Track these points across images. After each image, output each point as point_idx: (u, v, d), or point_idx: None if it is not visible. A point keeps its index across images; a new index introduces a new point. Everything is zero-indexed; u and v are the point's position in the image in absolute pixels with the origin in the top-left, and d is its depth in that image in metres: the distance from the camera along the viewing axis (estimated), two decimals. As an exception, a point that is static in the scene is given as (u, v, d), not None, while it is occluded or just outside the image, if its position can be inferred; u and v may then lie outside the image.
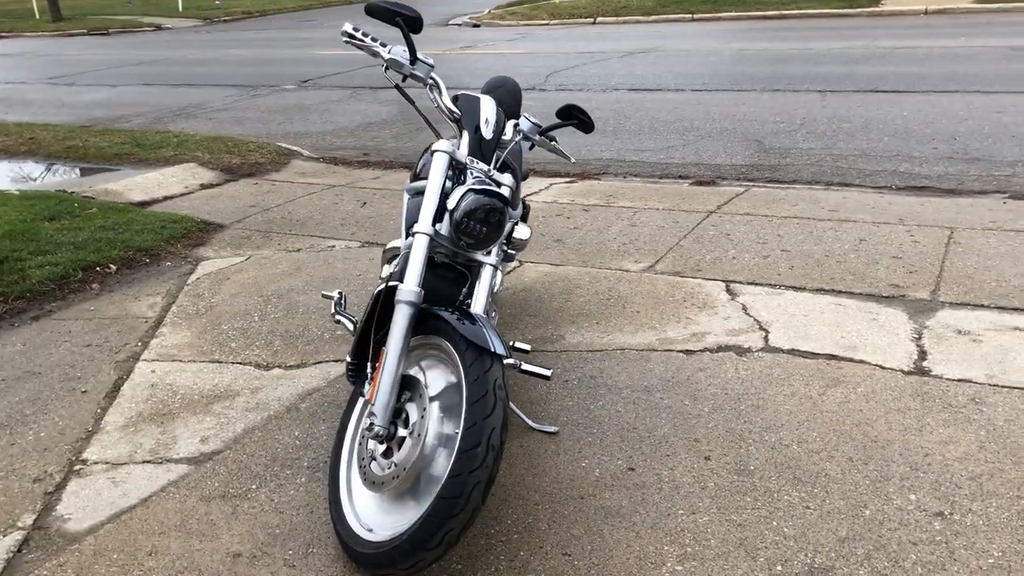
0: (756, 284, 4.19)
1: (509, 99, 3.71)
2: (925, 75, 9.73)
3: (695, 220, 5.26)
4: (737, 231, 5.00)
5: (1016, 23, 14.06)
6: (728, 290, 4.13)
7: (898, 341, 3.49)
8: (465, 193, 2.49)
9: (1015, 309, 3.77)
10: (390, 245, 3.34)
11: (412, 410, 2.33)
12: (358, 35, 2.73)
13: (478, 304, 2.56)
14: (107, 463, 2.93)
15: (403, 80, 2.81)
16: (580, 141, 7.70)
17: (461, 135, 2.67)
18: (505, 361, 2.31)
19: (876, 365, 3.29)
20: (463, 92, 2.80)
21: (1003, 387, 3.08)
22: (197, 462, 2.91)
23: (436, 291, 2.59)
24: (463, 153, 2.62)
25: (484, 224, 2.50)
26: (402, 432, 2.33)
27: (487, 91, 3.72)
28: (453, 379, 2.30)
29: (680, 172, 6.63)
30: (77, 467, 2.92)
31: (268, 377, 3.47)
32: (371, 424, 2.31)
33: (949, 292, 3.97)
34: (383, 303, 2.61)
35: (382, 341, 2.54)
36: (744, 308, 3.90)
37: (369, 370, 2.52)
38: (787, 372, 3.27)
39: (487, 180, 2.57)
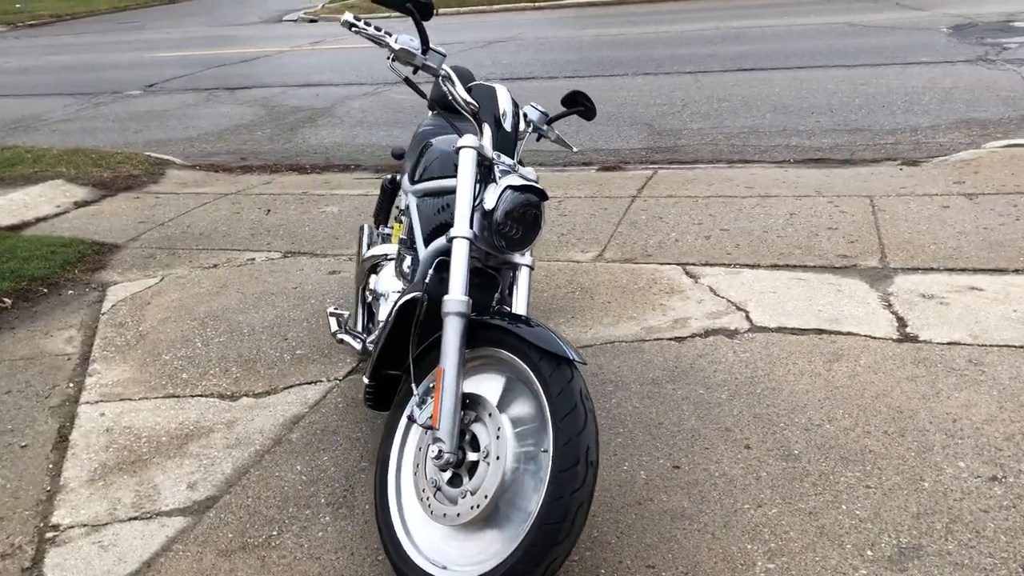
0: (711, 265, 4.18)
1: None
2: (785, 52, 10.13)
3: (622, 206, 5.22)
4: (668, 214, 4.99)
5: (847, 0, 14.89)
6: (688, 273, 4.09)
7: (873, 310, 3.54)
8: (504, 191, 2.30)
9: (963, 269, 3.91)
10: (369, 254, 3.09)
11: (480, 431, 2.13)
12: (360, 24, 2.47)
13: (520, 309, 2.37)
14: (85, 525, 2.56)
15: (414, 72, 2.57)
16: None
17: (481, 129, 2.47)
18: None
19: (866, 336, 3.32)
20: (476, 82, 2.59)
21: (991, 346, 3.17)
22: (194, 512, 2.59)
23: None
24: (489, 148, 2.42)
25: (522, 223, 2.32)
26: (472, 456, 2.12)
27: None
28: (525, 393, 2.11)
29: (582, 159, 6.58)
30: (50, 534, 2.54)
31: (239, 408, 3.15)
32: (439, 452, 2.09)
33: (896, 258, 4.09)
34: (403, 316, 2.39)
35: (420, 358, 2.32)
36: (712, 290, 3.87)
37: (416, 390, 2.29)
38: (785, 351, 3.25)
39: (522, 176, 2.39)
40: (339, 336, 2.86)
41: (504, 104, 2.47)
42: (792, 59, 9.63)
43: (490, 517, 2.06)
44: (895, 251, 4.17)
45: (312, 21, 20.28)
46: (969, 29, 10.60)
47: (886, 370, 3.06)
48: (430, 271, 2.45)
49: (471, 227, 2.28)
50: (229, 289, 4.28)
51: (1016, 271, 3.85)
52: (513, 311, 2.37)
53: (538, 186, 2.32)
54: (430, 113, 3.59)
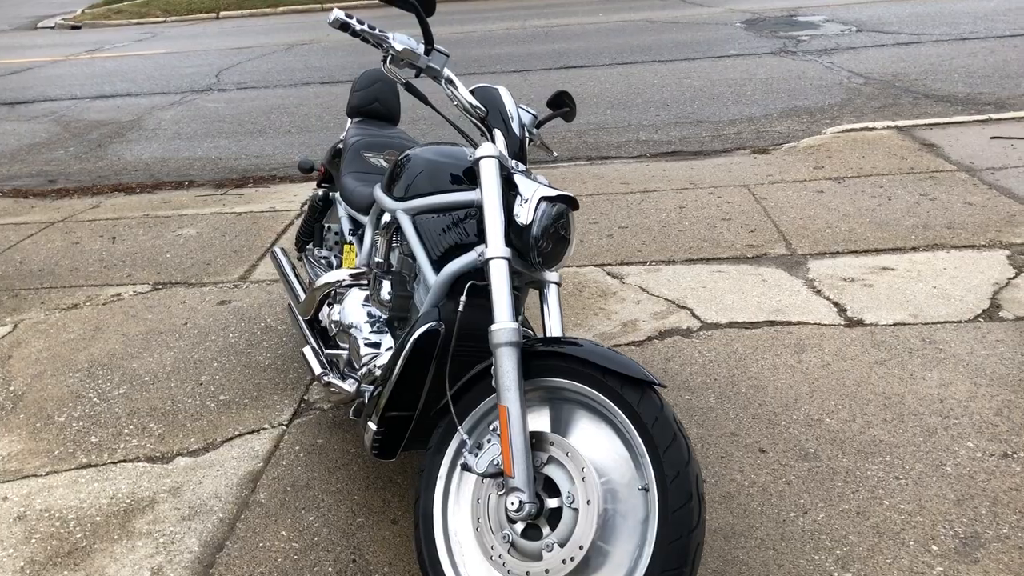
0: (627, 264, 4.11)
1: (389, 97, 3.25)
2: (599, 49, 10.33)
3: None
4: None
5: (613, 0, 15.49)
6: (609, 274, 4.01)
7: (807, 298, 3.60)
8: (539, 204, 2.07)
9: (865, 251, 4.06)
10: (323, 281, 2.75)
11: (556, 473, 1.90)
12: (353, 22, 2.15)
13: (555, 330, 2.16)
14: (39, 642, 2.09)
15: (416, 75, 2.28)
16: (306, 141, 7.12)
17: (491, 135, 2.22)
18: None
19: (816, 324, 3.36)
20: (479, 84, 2.33)
21: (934, 324, 3.29)
22: (175, 605, 2.17)
23: (482, 327, 2.14)
24: (507, 156, 2.18)
25: (555, 236, 2.10)
26: (552, 503, 1.89)
27: (364, 87, 3.22)
28: (597, 424, 1.90)
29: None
30: (-6, 661, 2.05)
31: (177, 471, 2.72)
32: (519, 504, 1.84)
33: (800, 244, 4.19)
34: (419, 351, 2.12)
35: (457, 396, 2.05)
36: (643, 289, 3.80)
37: (465, 434, 2.01)
38: (748, 346, 3.22)
39: (548, 184, 2.17)
40: (327, 379, 2.51)
41: (510, 106, 2.24)
42: (611, 55, 9.83)
43: (582, 570, 1.83)
44: (796, 238, 4.27)
45: (75, 28, 18.61)
46: (760, 23, 11.29)
47: (853, 356, 3.09)
48: (444, 298, 2.18)
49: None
50: (106, 332, 3.73)
51: (913, 249, 4.04)
52: (548, 334, 2.15)
53: (570, 195, 2.12)
54: (350, 121, 3.27)
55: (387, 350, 2.45)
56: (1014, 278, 3.65)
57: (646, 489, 1.79)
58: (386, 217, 2.47)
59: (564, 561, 1.81)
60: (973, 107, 6.75)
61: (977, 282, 3.63)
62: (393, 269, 2.51)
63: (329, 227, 3.22)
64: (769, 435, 2.66)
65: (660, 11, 13.24)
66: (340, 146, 3.23)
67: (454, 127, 2.29)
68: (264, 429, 2.92)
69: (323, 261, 3.15)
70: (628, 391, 1.83)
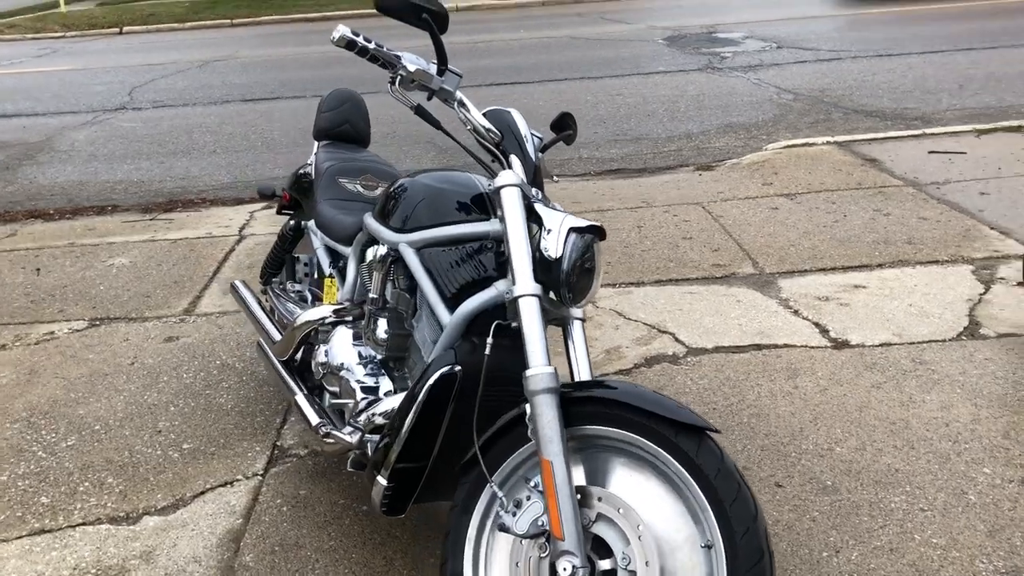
0: (597, 287, 3.98)
1: (358, 119, 3.06)
2: (528, 66, 10.26)
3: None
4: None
5: (533, 16, 15.50)
6: (581, 298, 3.86)
7: (787, 319, 3.54)
8: (568, 235, 1.92)
9: (832, 269, 4.05)
10: (304, 319, 2.53)
11: (606, 532, 1.74)
12: (360, 40, 1.96)
13: (584, 372, 2.00)
14: None
15: (428, 98, 2.10)
16: (235, 161, 6.83)
17: (507, 161, 2.05)
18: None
19: (803, 346, 3.30)
20: (491, 107, 2.16)
21: (920, 343, 3.26)
22: None
23: (506, 369, 1.97)
24: (526, 184, 2.02)
25: (582, 269, 1.95)
26: (604, 565, 1.73)
27: (332, 107, 3.03)
28: (646, 475, 1.75)
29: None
30: None
31: (146, 533, 2.46)
32: (572, 569, 1.67)
33: (767, 263, 4.15)
34: (436, 397, 1.94)
35: (486, 447, 1.87)
36: (619, 313, 3.69)
37: (497, 489, 1.84)
38: (739, 371, 3.13)
39: (571, 214, 2.01)
40: (325, 430, 2.28)
41: (524, 129, 2.09)
42: (540, 73, 9.76)
43: (637, 635, 1.68)
44: (762, 256, 4.23)
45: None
46: (681, 40, 11.41)
47: (848, 380, 3.03)
48: (459, 338, 2.00)
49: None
50: (43, 375, 3.41)
51: (880, 266, 4.03)
52: (576, 375, 1.99)
53: (599, 224, 1.97)
54: (317, 144, 3.07)
55: (385, 394, 2.26)
56: (984, 294, 3.66)
57: (709, 547, 1.65)
58: (380, 250, 2.28)
59: (624, 630, 1.65)
60: (901, 122, 6.89)
61: (950, 299, 3.62)
62: (388, 305, 2.32)
63: (299, 258, 3.00)
64: (782, 468, 2.56)
65: (581, 28, 13.27)
66: (307, 171, 3.02)
67: (470, 154, 2.11)
68: (238, 480, 2.68)
69: (296, 295, 2.92)
70: (684, 439, 1.69)
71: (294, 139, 7.48)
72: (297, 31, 16.11)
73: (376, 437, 2.14)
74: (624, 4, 16.46)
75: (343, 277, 2.63)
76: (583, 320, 2.06)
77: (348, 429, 2.23)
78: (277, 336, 2.76)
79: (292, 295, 2.96)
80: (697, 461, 1.66)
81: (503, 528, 1.80)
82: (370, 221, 2.32)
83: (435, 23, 1.95)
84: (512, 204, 1.93)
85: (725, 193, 5.30)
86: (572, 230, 1.92)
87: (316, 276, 2.89)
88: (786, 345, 3.31)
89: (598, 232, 1.96)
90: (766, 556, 1.60)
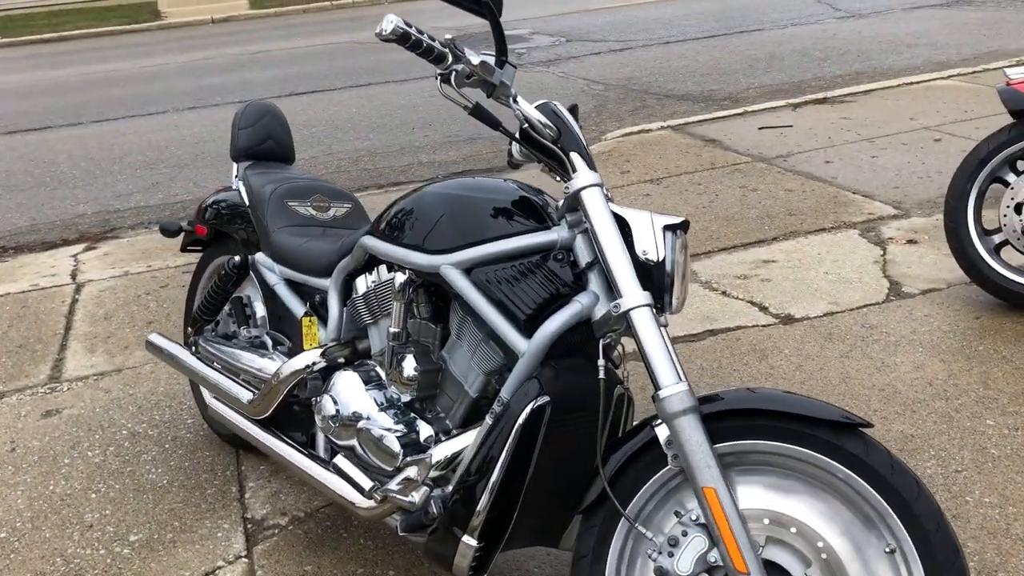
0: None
1: (282, 133, 2.72)
2: (324, 73, 9.83)
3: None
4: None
5: (299, 24, 15.01)
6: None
7: (723, 302, 3.54)
8: (665, 234, 1.74)
9: (735, 247, 4.12)
10: (291, 369, 2.18)
11: (780, 556, 1.58)
12: (414, 31, 1.67)
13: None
14: None
15: (489, 95, 1.81)
16: (24, 201, 6.02)
17: (569, 160, 1.82)
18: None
19: (754, 326, 3.31)
20: (540, 103, 1.91)
21: (859, 309, 3.37)
22: None
23: (583, 393, 1.78)
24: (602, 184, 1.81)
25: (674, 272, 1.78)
26: (784, 592, 1.57)
27: (250, 123, 2.67)
28: (796, 485, 1.61)
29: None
30: None
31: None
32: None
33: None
34: (529, 433, 1.72)
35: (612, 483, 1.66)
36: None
37: (643, 529, 1.62)
38: (710, 360, 3.08)
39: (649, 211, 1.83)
40: (382, 494, 1.90)
41: (573, 123, 1.88)
42: (341, 79, 9.39)
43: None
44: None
45: None
46: (470, 39, 11.38)
47: (815, 353, 3.05)
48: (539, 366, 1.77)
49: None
50: (-100, 482, 2.76)
51: (774, 239, 4.14)
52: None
53: (686, 219, 1.81)
54: (237, 167, 2.68)
55: (426, 441, 1.97)
56: (884, 255, 3.84)
57: (892, 551, 1.53)
58: (399, 277, 1.98)
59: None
60: (712, 103, 7.20)
61: (858, 263, 3.76)
62: (412, 339, 2.03)
63: (244, 298, 2.59)
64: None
65: (361, 32, 12.93)
66: (233, 198, 2.62)
67: (541, 159, 1.86)
68: (220, 569, 2.27)
69: (251, 342, 2.52)
70: (847, 440, 1.56)
71: (88, 170, 6.71)
72: (34, 53, 14.58)
73: (438, 491, 1.85)
74: (392, 8, 16.24)
75: (321, 315, 2.29)
76: (666, 327, 1.87)
77: (397, 486, 1.92)
78: (241, 393, 2.36)
79: (242, 342, 2.56)
80: (868, 461, 1.54)
81: (661, 572, 1.59)
82: (378, 244, 2.01)
83: (495, 7, 1.69)
84: (598, 206, 1.72)
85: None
86: (666, 228, 1.74)
87: (273, 318, 2.50)
88: (738, 327, 3.29)
89: (686, 227, 1.80)
90: (960, 550, 1.50)
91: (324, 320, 2.27)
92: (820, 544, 1.54)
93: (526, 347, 1.76)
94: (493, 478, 1.73)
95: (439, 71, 1.75)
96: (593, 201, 1.72)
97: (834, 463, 1.56)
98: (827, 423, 1.56)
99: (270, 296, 2.50)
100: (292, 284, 2.40)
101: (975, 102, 6.17)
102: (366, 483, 1.90)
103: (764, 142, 5.75)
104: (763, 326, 3.28)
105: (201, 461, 2.75)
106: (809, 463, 1.58)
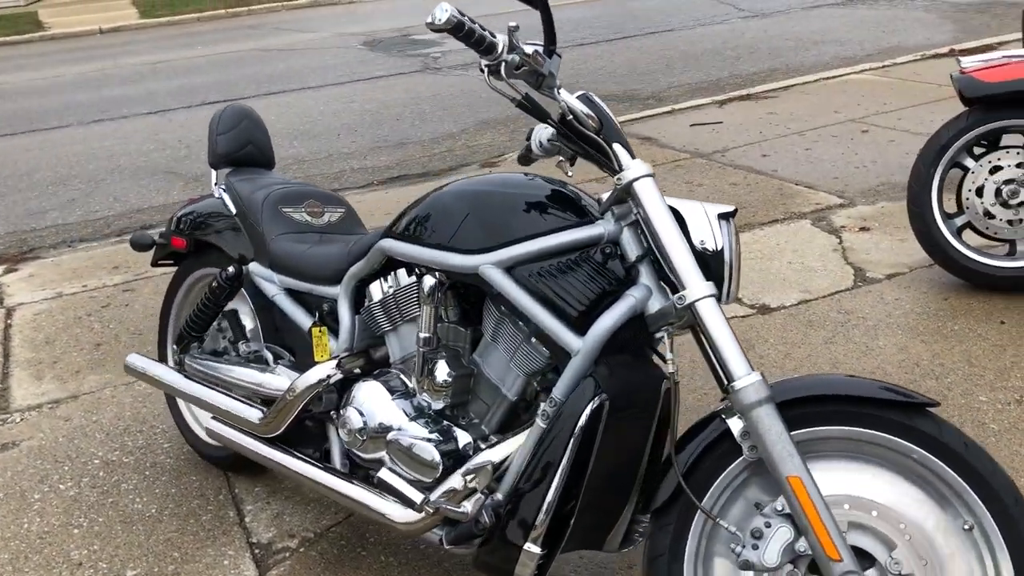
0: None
1: (262, 137, 2.62)
2: (234, 82, 9.54)
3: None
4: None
5: (196, 32, 14.58)
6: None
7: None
8: (720, 222, 1.72)
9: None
10: (306, 384, 2.08)
11: (862, 540, 1.57)
12: (467, 20, 1.59)
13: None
14: None
15: (537, 86, 1.74)
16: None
17: (612, 150, 1.78)
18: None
19: (732, 317, 3.34)
20: (579, 92, 1.85)
21: (831, 295, 3.44)
22: None
23: (636, 390, 1.76)
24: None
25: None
26: (871, 574, 1.56)
27: (230, 128, 2.55)
28: (864, 468, 1.61)
29: (138, 223, 5.39)
30: None
31: None
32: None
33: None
34: (589, 436, 1.68)
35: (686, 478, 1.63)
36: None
37: (724, 523, 1.59)
38: (698, 352, 3.07)
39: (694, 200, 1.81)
40: (435, 505, 1.80)
41: (611, 114, 1.84)
42: (252, 87, 9.12)
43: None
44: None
45: None
46: (381, 44, 11.25)
47: (800, 341, 3.10)
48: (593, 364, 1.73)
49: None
50: None
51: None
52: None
53: (735, 208, 1.79)
54: (217, 174, 2.55)
55: (465, 448, 1.90)
56: (841, 243, 3.93)
57: (971, 528, 1.54)
58: (427, 280, 1.90)
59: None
60: (637, 102, 7.29)
61: (819, 252, 3.84)
62: (441, 343, 1.95)
63: (238, 311, 2.46)
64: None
65: (264, 40, 12.60)
66: (217, 208, 2.49)
67: (583, 148, 1.81)
68: (237, 600, 2.14)
69: (249, 357, 2.39)
70: (921, 421, 1.57)
71: (10, 185, 6.32)
72: None
73: (499, 500, 1.78)
74: (290, 15, 15.92)
75: (328, 324, 2.19)
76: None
77: (440, 497, 1.83)
78: (248, 412, 2.23)
79: (235, 358, 2.42)
80: (942, 440, 1.55)
81: (747, 566, 1.57)
82: (402, 247, 1.93)
83: (545, -2, 1.64)
84: (654, 197, 1.69)
85: (534, 185, 5.22)
86: (720, 216, 1.72)
87: (267, 330, 2.38)
88: (719, 319, 3.29)
89: (735, 215, 1.78)
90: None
91: (333, 330, 2.17)
92: (902, 526, 1.54)
93: (580, 345, 1.71)
94: (556, 482, 1.68)
95: (486, 62, 1.68)
96: (648, 192, 1.69)
97: (909, 444, 1.56)
98: (898, 404, 1.56)
99: (264, 308, 2.38)
100: (293, 294, 2.28)
101: (891, 94, 6.41)
102: (416, 495, 1.80)
103: (698, 139, 5.84)
104: (742, 317, 3.30)
105: (188, 487, 2.60)
106: (883, 446, 1.58)
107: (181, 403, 2.70)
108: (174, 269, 2.77)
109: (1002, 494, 1.52)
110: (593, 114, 1.76)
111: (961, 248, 3.26)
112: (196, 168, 6.38)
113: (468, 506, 1.78)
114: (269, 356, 2.33)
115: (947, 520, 1.56)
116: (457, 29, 1.60)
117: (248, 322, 2.43)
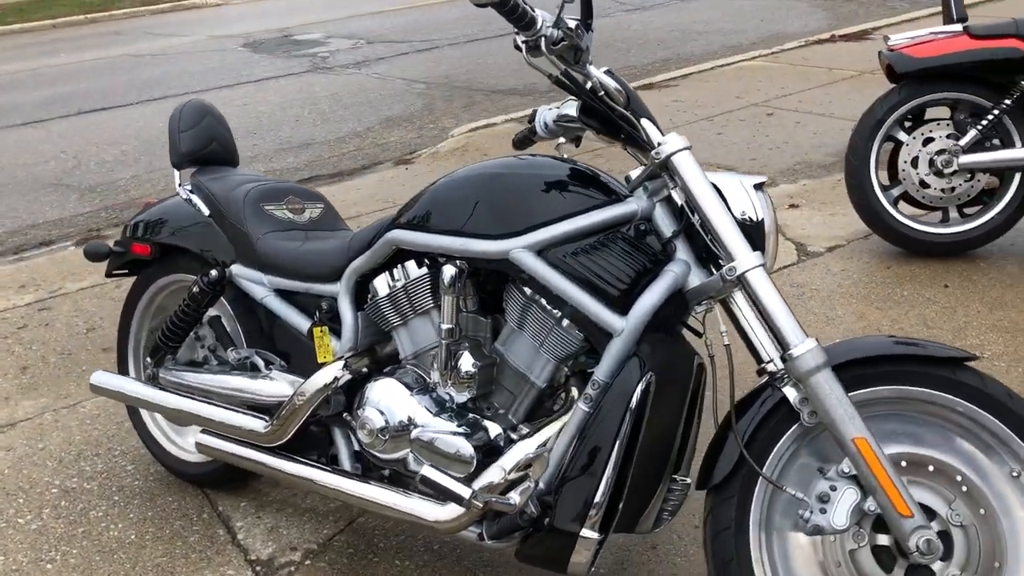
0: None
1: (225, 134, 2.51)
2: (110, 89, 9.06)
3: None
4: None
5: (55, 40, 13.85)
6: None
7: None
8: (756, 191, 1.73)
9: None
10: (314, 388, 2.00)
11: (920, 493, 1.60)
12: None
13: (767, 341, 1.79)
14: None
15: (576, 61, 1.69)
16: None
17: (640, 124, 1.76)
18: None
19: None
20: (604, 68, 1.81)
21: (779, 270, 3.52)
22: None
23: (676, 365, 1.76)
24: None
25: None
26: (933, 527, 1.59)
27: (192, 125, 2.43)
28: (928, 425, 1.66)
29: (36, 239, 5.06)
30: None
31: None
32: (927, 544, 1.52)
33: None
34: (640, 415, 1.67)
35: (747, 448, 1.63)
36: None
37: (796, 492, 1.60)
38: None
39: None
40: (483, 499, 1.72)
41: (633, 90, 1.83)
42: (132, 94, 8.70)
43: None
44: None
45: None
46: (263, 46, 10.93)
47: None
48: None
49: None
50: None
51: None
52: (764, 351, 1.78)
53: (767, 177, 1.81)
54: (180, 173, 2.42)
55: (496, 438, 1.85)
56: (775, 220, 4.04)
57: (1018, 475, 1.60)
58: (447, 269, 1.84)
59: (986, 584, 1.55)
60: (540, 96, 7.33)
61: (756, 230, 3.94)
62: (464, 334, 1.90)
63: (220, 317, 2.32)
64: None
65: (135, 45, 12.03)
66: (186, 209, 2.35)
67: (622, 127, 1.77)
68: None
69: (239, 363, 2.25)
70: (964, 375, 1.62)
71: None
72: None
73: (551, 488, 1.74)
74: (154, 20, 15.25)
75: (328, 324, 2.09)
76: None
77: (481, 487, 1.77)
78: (249, 422, 2.11)
79: (217, 367, 2.29)
80: (987, 391, 1.60)
81: (817, 531, 1.58)
82: (416, 237, 1.87)
83: (583, -32, 1.60)
84: (694, 170, 1.68)
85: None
86: (755, 186, 1.73)
87: (252, 335, 2.26)
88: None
89: (765, 185, 1.80)
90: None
91: (332, 330, 2.08)
92: (958, 478, 1.58)
93: (622, 324, 1.69)
94: (611, 463, 1.65)
95: (525, 37, 1.63)
96: (688, 165, 1.67)
97: (956, 399, 1.60)
98: (944, 361, 1.61)
99: (245, 312, 2.26)
100: (284, 295, 2.17)
101: (787, 79, 6.66)
102: (463, 490, 1.73)
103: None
104: (701, 296, 3.35)
105: (166, 508, 2.44)
106: (930, 402, 1.62)
107: (148, 419, 2.53)
108: (129, 279, 2.59)
109: (1047, 439, 1.58)
110: (621, 89, 1.73)
111: (899, 217, 3.40)
112: (90, 179, 6.04)
113: (516, 497, 1.73)
114: (260, 362, 2.20)
115: (995, 469, 1.61)
116: (503, 4, 1.55)
117: (230, 327, 2.30)
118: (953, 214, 3.43)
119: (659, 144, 1.69)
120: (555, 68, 1.70)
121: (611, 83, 1.72)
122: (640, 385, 1.65)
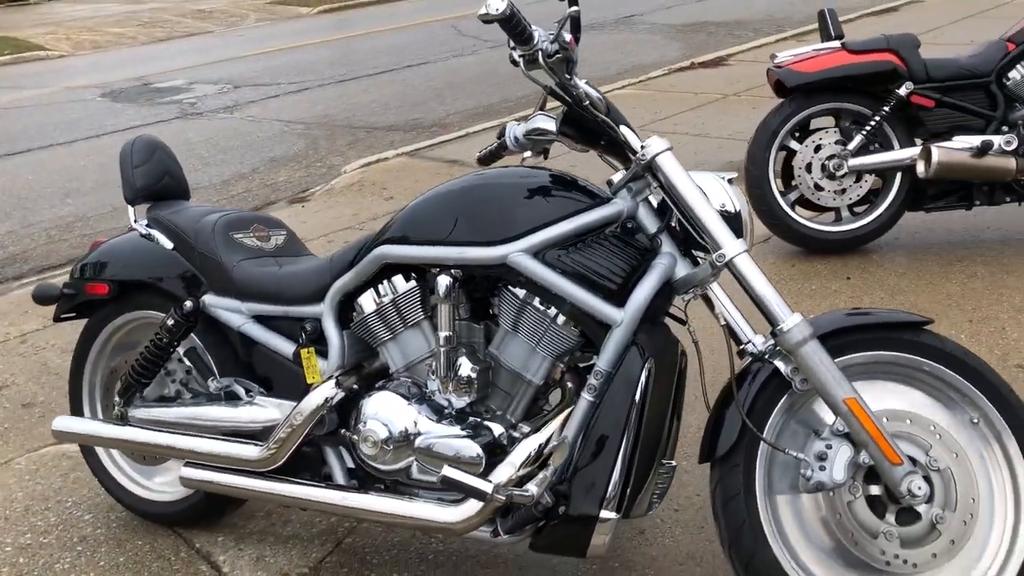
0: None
1: (176, 168, 2.52)
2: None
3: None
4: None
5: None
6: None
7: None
8: (728, 185, 1.89)
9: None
10: (309, 410, 2.04)
11: (900, 444, 1.78)
12: (518, 11, 1.64)
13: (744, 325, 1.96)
14: None
15: (569, 72, 1.79)
16: None
17: (617, 130, 1.89)
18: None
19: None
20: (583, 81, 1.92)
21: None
22: None
23: (666, 350, 1.91)
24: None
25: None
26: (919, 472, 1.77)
27: (145, 160, 2.44)
28: (894, 383, 1.85)
29: None
30: None
31: None
32: (917, 488, 1.70)
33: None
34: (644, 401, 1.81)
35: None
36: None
37: (796, 452, 1.75)
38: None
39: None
40: (505, 493, 1.76)
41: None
42: (7, 145, 8.27)
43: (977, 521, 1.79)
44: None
45: None
46: (122, 95, 10.61)
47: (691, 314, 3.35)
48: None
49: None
50: None
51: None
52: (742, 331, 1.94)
53: (736, 173, 1.99)
54: (135, 209, 2.41)
55: (499, 437, 1.93)
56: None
57: (976, 422, 1.81)
58: (442, 279, 1.93)
59: (964, 522, 1.74)
60: (422, 130, 7.46)
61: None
62: (460, 341, 1.98)
63: (200, 349, 2.30)
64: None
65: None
66: (147, 244, 2.33)
67: (609, 127, 1.89)
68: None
69: (220, 392, 2.24)
70: (925, 336, 1.82)
71: None
72: None
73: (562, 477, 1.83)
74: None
75: (314, 344, 2.13)
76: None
77: (499, 483, 1.84)
78: (242, 450, 2.11)
79: (191, 400, 2.27)
80: (946, 349, 1.81)
81: (819, 487, 1.73)
82: (407, 251, 1.94)
83: (574, -14, 1.73)
84: (676, 168, 1.83)
85: (361, 215, 5.24)
86: (727, 179, 1.89)
87: (227, 363, 2.26)
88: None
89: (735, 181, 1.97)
90: (1024, 400, 1.81)
91: (318, 351, 2.11)
92: (932, 428, 1.77)
93: (621, 316, 1.81)
94: (623, 446, 1.76)
95: (522, 52, 1.74)
96: (671, 165, 1.82)
97: (917, 357, 1.80)
98: (907, 326, 1.80)
99: (218, 342, 2.26)
100: (263, 320, 2.18)
101: (658, 104, 7.03)
102: (485, 485, 1.79)
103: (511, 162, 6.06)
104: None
105: (138, 552, 2.38)
106: (899, 364, 1.81)
107: (108, 462, 2.47)
108: (74, 323, 2.52)
109: (1000, 387, 1.79)
110: (601, 98, 1.86)
111: (798, 219, 3.68)
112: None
113: (533, 488, 1.81)
114: (240, 390, 2.20)
115: (957, 418, 1.81)
116: (509, 20, 1.66)
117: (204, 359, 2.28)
118: (845, 214, 3.73)
119: (643, 147, 1.82)
120: (550, 79, 1.81)
121: (594, 93, 1.84)
122: (643, 371, 1.77)
